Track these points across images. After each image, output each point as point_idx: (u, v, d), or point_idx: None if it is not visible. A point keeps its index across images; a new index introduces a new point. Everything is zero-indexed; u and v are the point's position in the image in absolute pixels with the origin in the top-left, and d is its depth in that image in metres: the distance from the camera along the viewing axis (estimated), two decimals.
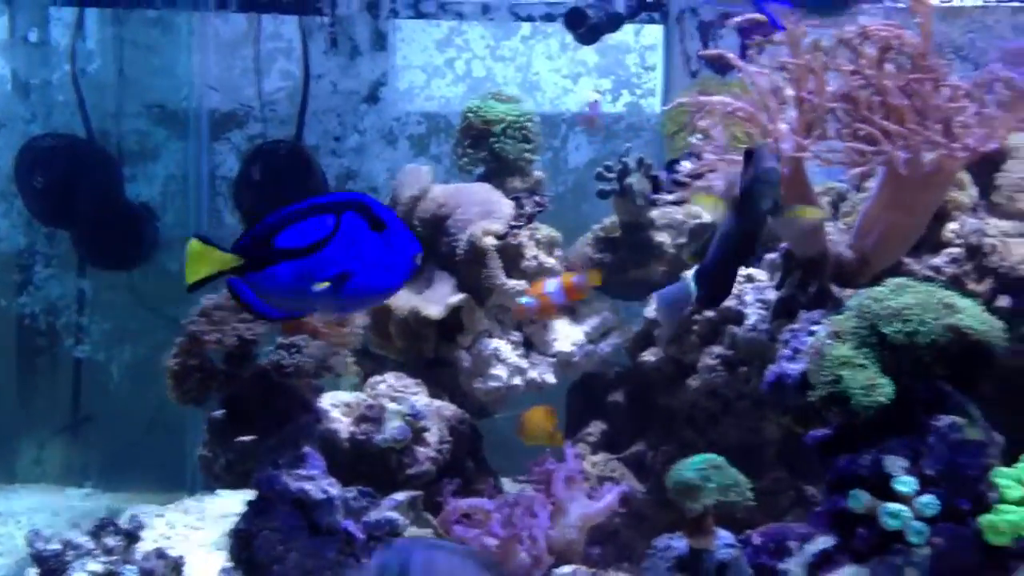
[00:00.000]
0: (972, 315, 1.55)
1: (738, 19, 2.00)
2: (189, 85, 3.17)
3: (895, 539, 1.51)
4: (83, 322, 3.23)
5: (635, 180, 2.31)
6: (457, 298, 2.22)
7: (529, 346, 2.35)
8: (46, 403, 3.20)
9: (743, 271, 2.16)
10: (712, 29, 2.89)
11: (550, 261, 2.36)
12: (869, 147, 1.80)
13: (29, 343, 3.22)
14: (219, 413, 1.88)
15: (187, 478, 2.96)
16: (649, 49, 3.19)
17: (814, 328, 1.72)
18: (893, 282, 1.60)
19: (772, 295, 2.03)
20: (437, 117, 3.21)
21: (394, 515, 1.76)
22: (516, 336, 2.31)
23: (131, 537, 1.77)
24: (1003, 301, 2.05)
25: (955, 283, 2.04)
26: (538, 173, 2.56)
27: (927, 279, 2.05)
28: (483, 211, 2.25)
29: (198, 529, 2.54)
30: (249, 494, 1.78)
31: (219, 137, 3.20)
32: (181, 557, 1.81)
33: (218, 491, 2.69)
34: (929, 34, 1.81)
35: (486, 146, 2.49)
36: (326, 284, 1.48)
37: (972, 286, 2.05)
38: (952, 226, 2.10)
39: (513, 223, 2.42)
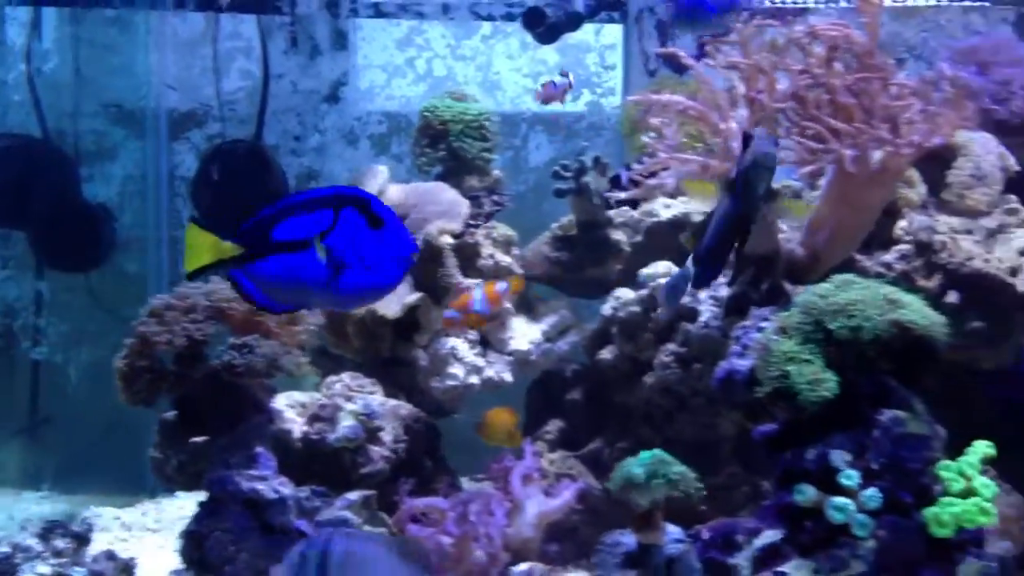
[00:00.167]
0: (915, 310, 1.57)
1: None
2: (147, 84, 3.15)
3: (841, 532, 1.52)
4: (41, 324, 3.20)
5: (591, 179, 2.32)
6: (414, 297, 2.22)
7: (486, 345, 2.35)
8: (3, 405, 3.17)
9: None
10: (670, 28, 2.91)
11: (507, 260, 2.36)
12: (818, 145, 1.82)
13: None
14: (170, 414, 1.86)
15: (147, 480, 2.93)
16: (609, 48, 3.20)
17: (763, 324, 1.73)
18: (838, 278, 1.62)
19: (725, 292, 2.04)
20: (398, 116, 3.21)
21: (347, 514, 1.76)
22: (473, 335, 2.31)
23: (81, 539, 1.76)
24: (952, 297, 2.08)
25: (905, 279, 2.07)
26: (496, 172, 2.56)
27: (878, 275, 2.08)
28: (439, 210, 2.25)
29: (155, 531, 2.53)
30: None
31: (178, 137, 3.19)
32: (132, 559, 1.80)
33: (177, 493, 2.67)
34: (876, 33, 1.83)
35: (444, 145, 2.49)
36: (322, 256, 1.46)
37: (922, 282, 2.08)
38: (903, 223, 2.13)
39: (471, 222, 2.43)
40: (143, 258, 3.15)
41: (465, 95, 2.60)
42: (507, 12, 3.08)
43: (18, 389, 3.17)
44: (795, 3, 2.63)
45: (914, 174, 2.15)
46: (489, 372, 2.30)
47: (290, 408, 2.00)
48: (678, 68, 2.72)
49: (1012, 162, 2.23)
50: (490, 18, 3.12)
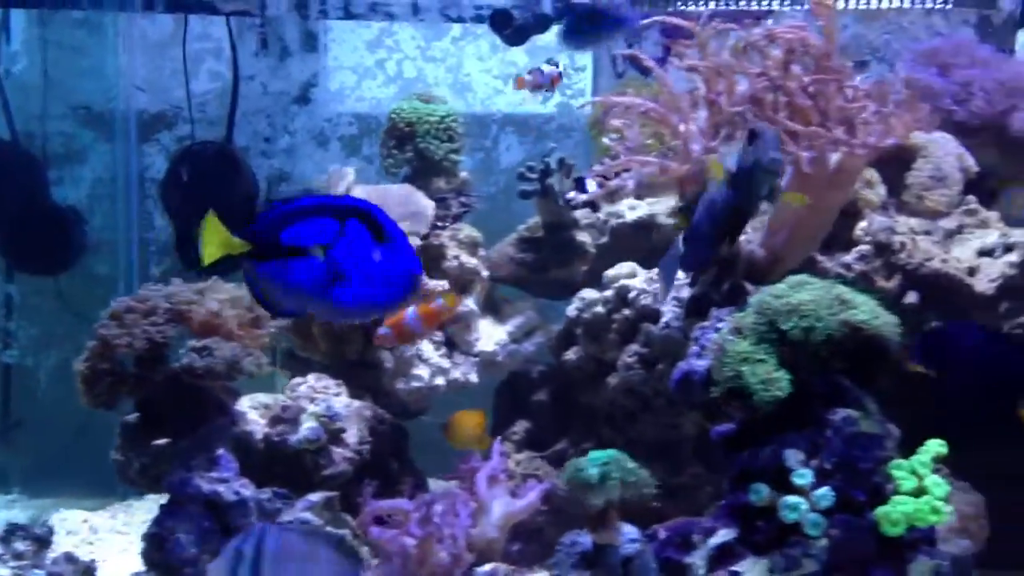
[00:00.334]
0: (867, 310, 1.58)
1: (647, 21, 2.03)
2: (116, 86, 3.14)
3: (794, 531, 1.53)
4: (10, 327, 3.19)
5: (556, 181, 2.33)
6: None
7: (452, 346, 2.36)
8: None
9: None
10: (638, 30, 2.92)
11: (472, 261, 2.37)
12: None
13: None
14: (132, 416, 1.87)
15: (117, 483, 2.93)
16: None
17: (721, 325, 1.74)
18: (792, 279, 1.63)
19: (688, 293, 2.06)
20: (368, 118, 3.21)
21: (308, 516, 1.76)
22: (439, 336, 2.32)
23: (41, 542, 1.76)
24: (911, 297, 2.10)
25: (865, 280, 2.09)
26: (463, 173, 2.57)
27: (839, 276, 2.10)
28: (405, 212, 2.26)
29: (123, 534, 2.52)
30: None
31: (148, 139, 3.18)
32: (93, 561, 1.80)
33: (148, 496, 2.67)
34: (832, 36, 1.85)
35: (411, 147, 2.50)
36: (320, 255, 1.45)
37: (881, 283, 2.10)
38: (863, 224, 2.15)
39: (438, 223, 2.44)
40: (113, 260, 3.15)
41: (433, 97, 2.60)
42: (477, 14, 3.08)
43: None
44: (760, 6, 2.65)
45: (874, 175, 2.18)
46: (455, 373, 2.31)
47: (254, 410, 2.01)
48: (644, 70, 2.74)
49: (971, 163, 2.26)
50: (460, 20, 3.12)
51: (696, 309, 1.97)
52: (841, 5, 2.65)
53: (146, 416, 1.85)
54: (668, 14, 2.12)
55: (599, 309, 2.20)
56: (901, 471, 1.57)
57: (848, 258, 2.12)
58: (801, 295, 1.60)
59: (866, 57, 2.63)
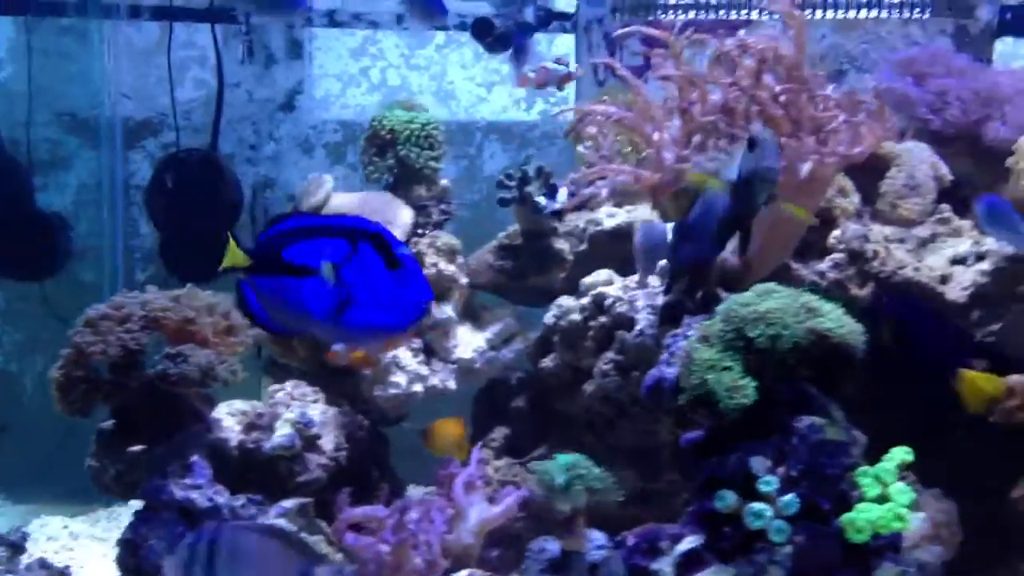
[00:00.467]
0: (833, 318, 1.60)
1: (622, 31, 2.05)
2: (102, 93, 3.15)
3: (759, 538, 1.55)
4: None
5: (534, 189, 2.35)
6: None
7: (430, 353, 2.37)
8: None
9: (636, 277, 2.21)
10: (617, 39, 2.93)
11: (450, 269, 2.38)
12: None
13: None
14: (108, 423, 1.88)
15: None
16: (563, 57, 3.22)
17: (691, 333, 1.76)
18: (759, 287, 1.65)
19: (662, 301, 2.07)
20: (353, 125, 3.22)
21: (281, 522, 1.77)
22: (417, 343, 2.33)
23: (15, 548, 1.77)
24: None
25: (838, 287, 2.11)
26: (444, 181, 2.58)
27: (813, 284, 2.12)
28: (383, 219, 2.26)
29: (103, 540, 2.53)
30: None
31: (133, 145, 3.20)
32: (67, 568, 1.81)
33: (132, 503, 2.68)
34: (802, 47, 1.87)
35: (392, 154, 2.51)
36: (330, 286, 1.43)
37: (855, 291, 2.11)
38: (837, 232, 2.16)
39: (419, 231, 2.46)
40: (98, 267, 3.16)
41: (414, 104, 2.62)
42: (460, 22, 3.10)
43: None
44: (738, 16, 2.67)
45: (848, 184, 2.19)
46: (433, 380, 2.32)
47: (231, 416, 2.02)
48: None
49: (945, 172, 2.28)
50: (443, 28, 3.14)
51: (670, 317, 1.99)
52: (819, 15, 2.66)
53: (121, 423, 1.86)
54: (643, 24, 2.13)
55: (575, 317, 2.21)
56: (866, 478, 1.58)
57: (822, 266, 2.13)
58: (768, 303, 1.61)
59: (844, 66, 2.65)
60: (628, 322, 2.13)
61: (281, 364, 2.36)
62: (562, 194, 2.22)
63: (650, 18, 2.75)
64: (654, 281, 2.17)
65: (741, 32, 1.91)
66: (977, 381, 1.78)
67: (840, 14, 2.66)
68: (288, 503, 1.82)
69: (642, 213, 2.37)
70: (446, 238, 2.40)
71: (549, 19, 2.93)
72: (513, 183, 2.38)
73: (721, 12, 2.71)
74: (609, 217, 2.41)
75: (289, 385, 2.15)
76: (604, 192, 1.93)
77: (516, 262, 2.45)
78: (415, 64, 3.27)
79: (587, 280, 2.23)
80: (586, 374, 2.22)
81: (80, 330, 1.81)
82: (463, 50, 3.25)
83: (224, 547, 1.13)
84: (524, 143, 3.24)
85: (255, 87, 3.19)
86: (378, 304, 1.44)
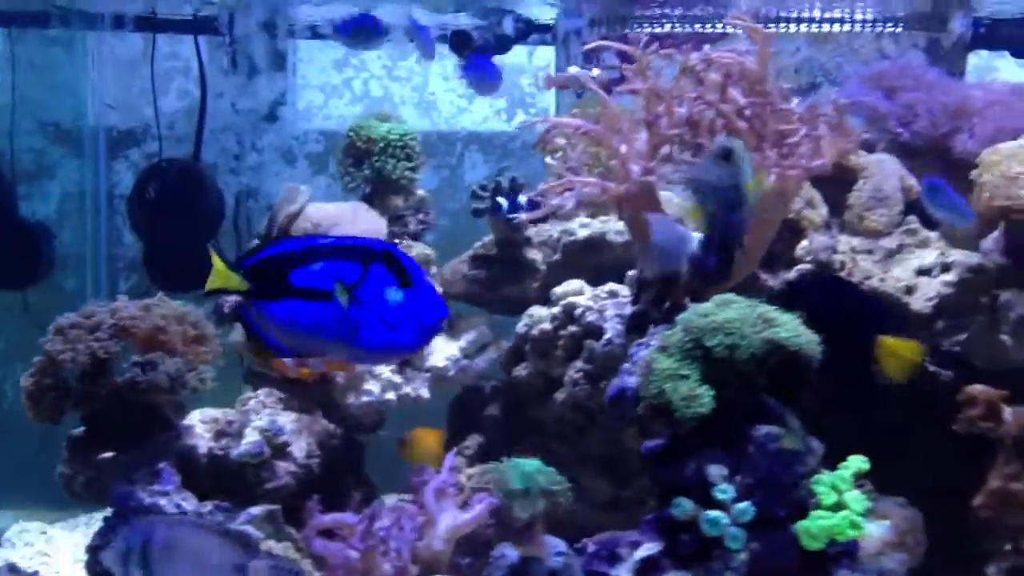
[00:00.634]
0: (790, 329, 1.62)
1: (590, 45, 2.07)
2: (86, 103, 3.18)
3: (716, 545, 1.57)
4: None
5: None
6: None
7: (404, 362, 2.39)
8: None
9: (606, 287, 2.24)
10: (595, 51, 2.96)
11: None
12: None
13: None
14: (78, 430, 1.90)
15: None
16: (542, 69, 3.25)
17: (653, 342, 1.78)
18: (718, 298, 1.67)
19: (630, 310, 2.09)
20: (336, 136, 3.23)
21: (248, 528, 1.79)
22: None
23: None
24: None
25: None
26: (421, 191, 2.61)
27: (780, 294, 2.14)
28: (357, 230, 2.29)
29: (80, 546, 2.54)
30: None
31: (117, 155, 3.22)
32: (36, 572, 1.82)
33: (109, 509, 2.70)
34: (766, 61, 1.89)
35: (368, 165, 2.54)
36: (345, 307, 1.42)
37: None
38: (805, 243, 2.19)
39: (395, 240, 2.48)
40: (81, 276, 3.19)
41: (391, 116, 2.65)
42: (442, 34, 3.13)
43: None
44: (714, 29, 2.70)
45: (815, 195, 2.22)
46: (406, 388, 2.34)
47: (203, 424, 2.04)
48: (605, 90, 2.79)
49: (913, 183, 2.30)
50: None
51: (636, 326, 2.01)
52: (793, 29, 2.70)
53: (92, 430, 1.88)
54: (609, 38, 2.16)
55: (546, 326, 2.24)
56: (822, 486, 1.61)
57: (790, 276, 2.15)
58: (726, 313, 1.63)
59: (818, 79, 2.68)
60: (597, 331, 2.15)
61: (259, 373, 2.39)
62: (522, 199, 2.25)
63: (627, 31, 2.79)
64: (624, 291, 2.20)
65: (706, 47, 1.93)
66: (896, 348, 1.79)
67: (814, 28, 2.69)
68: (256, 510, 1.84)
69: (616, 225, 2.40)
70: (420, 247, 2.42)
71: (528, 31, 2.97)
72: (486, 194, 2.40)
73: (696, 26, 2.74)
74: (582, 227, 2.43)
75: (262, 393, 2.17)
76: (570, 203, 1.95)
77: (490, 272, 2.48)
78: (397, 75, 3.30)
79: (558, 290, 2.26)
80: (557, 382, 2.25)
81: (51, 338, 1.83)
82: (444, 62, 3.27)
83: (158, 542, 1.16)
84: (505, 153, 3.27)
85: (238, 98, 3.21)
86: (393, 324, 1.45)
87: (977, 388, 1.90)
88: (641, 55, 1.95)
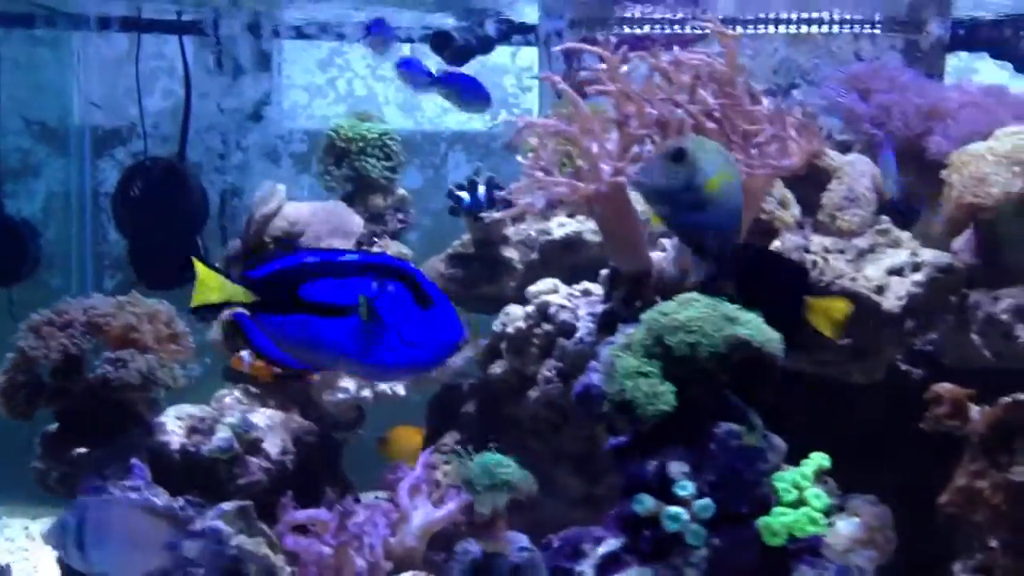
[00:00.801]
0: (752, 327, 1.63)
1: (559, 47, 2.09)
2: (71, 103, 3.20)
3: (677, 541, 1.58)
4: None
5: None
6: None
7: None
8: None
9: (580, 286, 2.26)
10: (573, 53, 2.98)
11: None
12: None
13: None
14: (52, 427, 1.92)
15: None
16: (526, 70, 3.28)
17: (617, 340, 1.80)
18: (682, 297, 1.68)
19: (602, 308, 2.11)
20: (320, 135, 3.24)
21: (218, 524, 1.80)
22: None
23: None
24: None
25: None
26: (401, 191, 2.63)
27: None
28: (333, 228, 2.31)
29: None
30: None
31: (102, 154, 3.24)
32: (8, 564, 1.84)
33: None
34: (734, 63, 1.91)
35: (347, 164, 2.56)
36: (364, 315, 1.41)
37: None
38: (777, 243, 2.20)
39: (375, 238, 2.50)
40: (66, 273, 3.21)
41: (371, 115, 2.66)
42: (425, 35, 3.15)
43: None
44: (693, 31, 2.72)
45: (788, 195, 2.23)
46: (382, 386, 2.36)
47: (178, 420, 2.06)
48: (582, 93, 2.81)
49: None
50: (409, 40, 3.19)
51: (607, 324, 2.03)
52: (772, 30, 2.71)
53: (65, 426, 1.90)
54: (588, 39, 2.18)
55: (521, 324, 2.25)
56: (783, 483, 1.62)
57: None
58: (688, 312, 1.65)
59: (796, 80, 2.70)
60: (571, 329, 2.17)
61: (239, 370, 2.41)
62: (481, 189, 2.27)
63: (607, 32, 2.80)
64: (597, 289, 2.22)
65: (676, 49, 1.95)
66: (825, 307, 1.81)
67: (792, 29, 2.71)
68: (227, 505, 1.85)
69: (594, 224, 2.41)
70: (396, 246, 2.45)
71: (511, 32, 2.99)
72: (463, 193, 2.42)
73: (676, 27, 2.75)
74: (560, 227, 2.45)
75: (237, 390, 2.19)
76: (541, 202, 1.96)
77: (467, 270, 2.49)
78: (381, 75, 3.32)
79: (533, 288, 2.27)
80: (532, 380, 2.26)
81: (24, 335, 1.85)
82: (428, 62, 3.29)
83: (92, 521, 1.21)
84: (488, 153, 3.29)
85: (223, 97, 3.24)
86: (410, 342, 1.45)
87: (943, 387, 1.91)
88: (611, 56, 1.96)
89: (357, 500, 2.30)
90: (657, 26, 2.73)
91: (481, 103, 2.44)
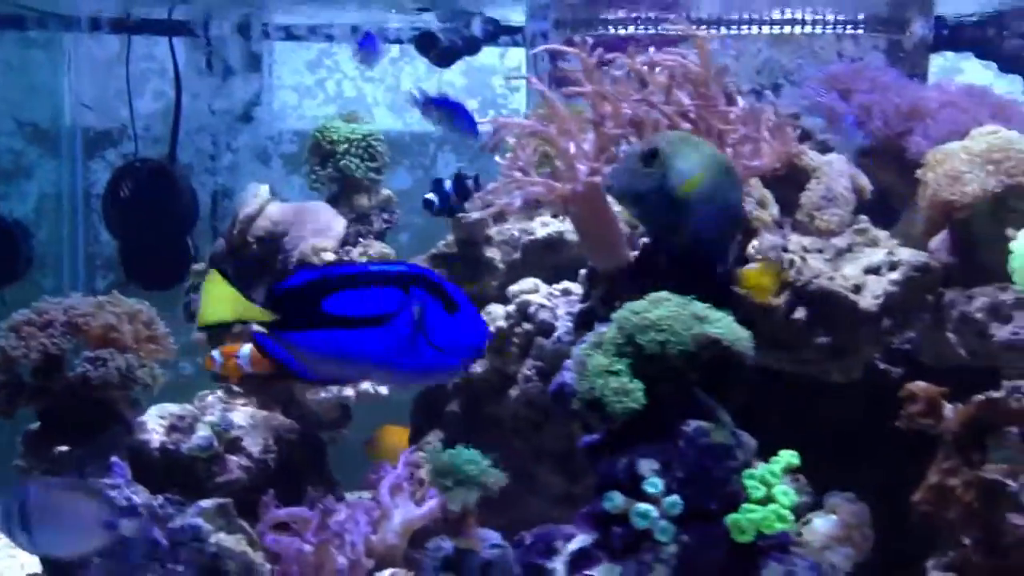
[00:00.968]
0: (722, 326, 1.65)
1: (539, 48, 2.11)
2: (63, 104, 3.23)
3: (647, 538, 1.60)
4: None
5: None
6: None
7: None
8: None
9: (560, 285, 2.28)
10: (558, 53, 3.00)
11: None
12: None
13: None
14: (33, 426, 1.94)
15: None
16: (514, 71, 3.30)
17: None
18: (653, 296, 1.70)
19: (579, 308, 2.13)
20: (310, 136, 3.28)
21: (198, 521, 1.83)
22: None
23: None
24: (799, 313, 2.16)
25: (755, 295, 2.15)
26: (386, 191, 2.65)
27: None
28: (316, 229, 2.33)
29: None
30: None
31: (94, 155, 3.27)
32: None
33: None
34: (708, 63, 1.92)
35: (332, 164, 2.58)
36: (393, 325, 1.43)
37: (770, 299, 2.16)
38: (754, 242, 2.22)
39: (361, 238, 2.52)
40: (58, 274, 3.23)
41: (357, 116, 2.68)
42: (413, 36, 3.17)
43: None
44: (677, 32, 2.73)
45: (767, 195, 2.24)
46: (365, 385, 2.38)
47: (160, 419, 2.08)
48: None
49: (865, 183, 2.33)
50: (398, 41, 3.21)
51: (583, 323, 2.05)
52: (755, 30, 2.73)
53: (46, 425, 1.92)
54: (565, 42, 2.19)
55: (502, 324, 2.27)
56: (752, 480, 1.64)
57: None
58: (659, 311, 1.66)
59: (779, 80, 2.71)
60: (550, 329, 2.19)
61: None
62: (447, 183, 2.29)
63: (592, 32, 2.82)
64: (577, 289, 2.24)
65: (651, 50, 1.96)
66: (756, 275, 1.82)
67: (775, 30, 2.72)
68: (206, 503, 1.88)
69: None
70: (379, 247, 2.46)
71: (497, 33, 3.00)
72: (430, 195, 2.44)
73: (660, 27, 2.77)
74: (543, 227, 2.47)
75: (220, 390, 2.21)
76: (517, 203, 1.98)
77: (450, 270, 2.51)
78: (370, 76, 3.34)
79: (513, 288, 2.29)
80: (513, 379, 2.28)
81: (4, 335, 1.87)
82: (416, 63, 3.32)
83: (33, 502, 1.27)
84: (477, 154, 3.30)
85: (214, 99, 3.26)
86: (439, 347, 1.47)
87: (918, 385, 1.92)
88: (587, 58, 1.98)
89: (341, 499, 2.33)
90: (641, 27, 2.74)
91: (469, 133, 2.46)
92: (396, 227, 2.74)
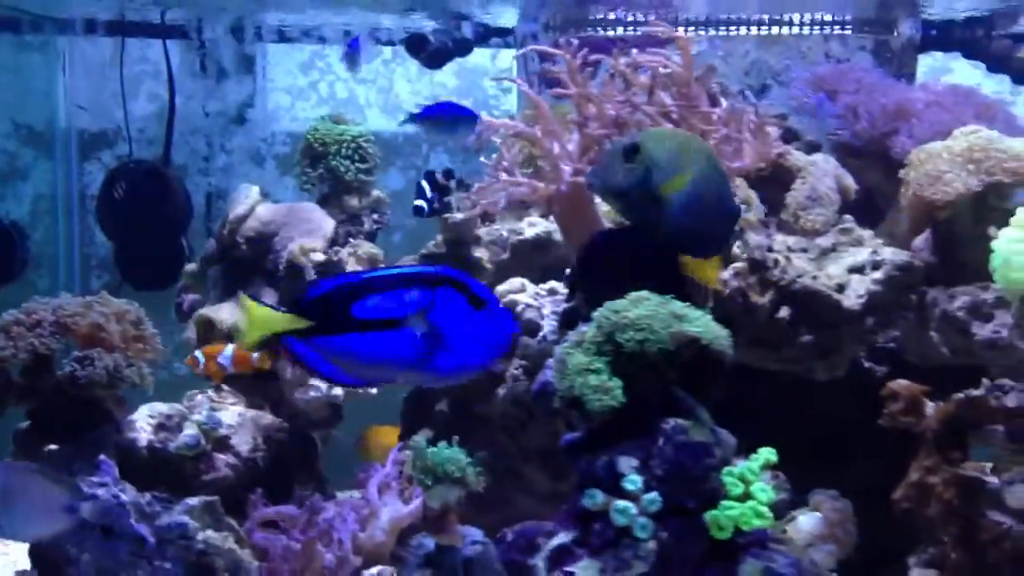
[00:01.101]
0: (700, 325, 1.66)
1: (524, 49, 2.12)
2: (58, 106, 3.25)
3: (626, 534, 1.61)
4: None
5: (454, 198, 2.42)
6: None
7: None
8: None
9: (546, 285, 2.29)
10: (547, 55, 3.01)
11: None
12: None
13: None
14: (23, 425, 1.96)
15: None
16: (506, 71, 3.31)
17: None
18: (633, 295, 1.71)
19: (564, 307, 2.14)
20: (302, 137, 3.30)
21: (184, 518, 1.84)
22: None
23: None
24: (783, 312, 2.18)
25: (740, 295, 2.17)
26: (377, 192, 2.66)
27: (715, 292, 2.18)
28: (305, 229, 2.35)
29: None
30: None
31: (89, 157, 3.29)
32: None
33: None
34: (690, 65, 1.94)
35: (322, 166, 2.60)
36: (422, 333, 1.46)
37: (755, 298, 2.18)
38: (740, 242, 2.23)
39: (351, 238, 2.54)
40: (54, 275, 3.26)
41: (346, 118, 2.70)
42: (405, 38, 3.19)
43: None
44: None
45: (752, 195, 2.26)
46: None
47: (150, 418, 2.10)
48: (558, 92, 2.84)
49: (850, 183, 2.35)
50: (390, 43, 3.23)
51: (568, 323, 2.06)
52: (744, 32, 2.74)
53: (36, 424, 1.94)
54: (553, 44, 2.21)
55: None
56: (731, 477, 1.65)
57: (724, 274, 2.20)
58: (638, 310, 1.68)
59: (768, 81, 2.72)
60: (535, 328, 2.20)
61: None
62: (424, 185, 2.31)
63: (581, 34, 2.83)
64: (563, 288, 2.25)
65: (634, 51, 1.98)
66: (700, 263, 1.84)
67: (763, 31, 2.74)
68: (193, 500, 1.89)
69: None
70: (367, 247, 2.48)
71: (488, 34, 3.02)
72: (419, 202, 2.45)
73: (648, 28, 2.78)
74: (531, 227, 2.49)
75: (211, 389, 2.23)
76: (502, 203, 2.00)
77: None
78: (362, 78, 3.36)
79: (501, 288, 2.31)
80: (501, 378, 2.30)
81: None
82: (408, 64, 3.34)
83: None
84: (470, 154, 3.32)
85: (208, 101, 3.28)
86: (467, 344, 1.49)
87: (900, 383, 1.94)
88: (571, 59, 2.00)
89: (331, 498, 2.34)
90: (630, 28, 2.76)
91: (469, 120, 2.47)
92: (389, 227, 2.76)
